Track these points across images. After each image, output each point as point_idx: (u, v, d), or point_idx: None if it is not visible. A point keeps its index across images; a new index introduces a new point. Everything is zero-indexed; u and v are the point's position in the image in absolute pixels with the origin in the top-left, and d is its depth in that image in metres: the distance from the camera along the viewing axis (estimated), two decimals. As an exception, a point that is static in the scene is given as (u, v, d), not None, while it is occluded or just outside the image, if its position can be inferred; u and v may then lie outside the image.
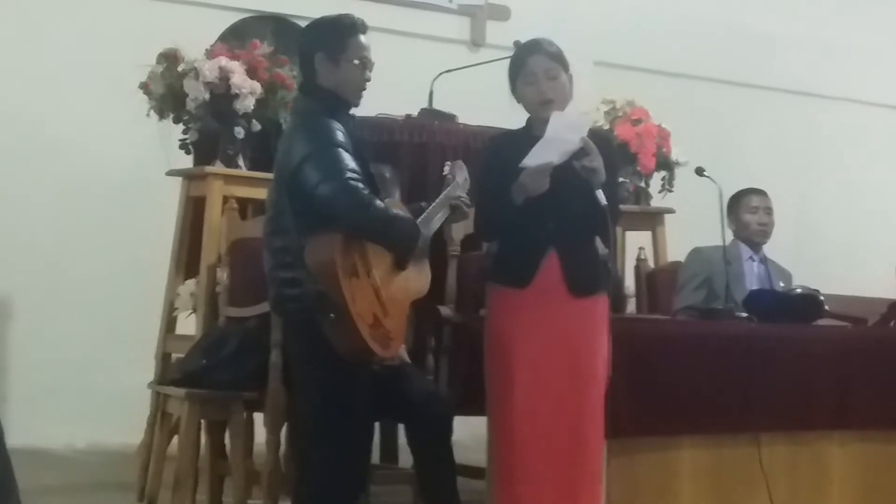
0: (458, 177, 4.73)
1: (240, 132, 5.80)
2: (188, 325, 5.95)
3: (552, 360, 4.48)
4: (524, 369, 4.47)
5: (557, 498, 4.48)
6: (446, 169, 4.79)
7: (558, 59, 4.57)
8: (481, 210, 4.63)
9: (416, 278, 4.54)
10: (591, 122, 5.54)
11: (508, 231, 4.56)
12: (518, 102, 4.63)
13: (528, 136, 4.57)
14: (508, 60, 4.67)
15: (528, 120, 4.65)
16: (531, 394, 4.46)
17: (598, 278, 4.60)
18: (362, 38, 4.44)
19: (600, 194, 4.40)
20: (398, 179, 5.26)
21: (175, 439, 5.50)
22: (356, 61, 4.41)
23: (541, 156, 4.39)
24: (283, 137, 4.49)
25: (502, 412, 4.50)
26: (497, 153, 4.66)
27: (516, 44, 4.79)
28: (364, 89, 4.46)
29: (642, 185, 6.85)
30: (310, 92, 4.46)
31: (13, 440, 4.12)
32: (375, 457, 5.27)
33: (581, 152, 4.43)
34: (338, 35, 4.42)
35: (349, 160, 4.22)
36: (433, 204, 4.64)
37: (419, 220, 4.55)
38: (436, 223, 4.62)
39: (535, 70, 4.55)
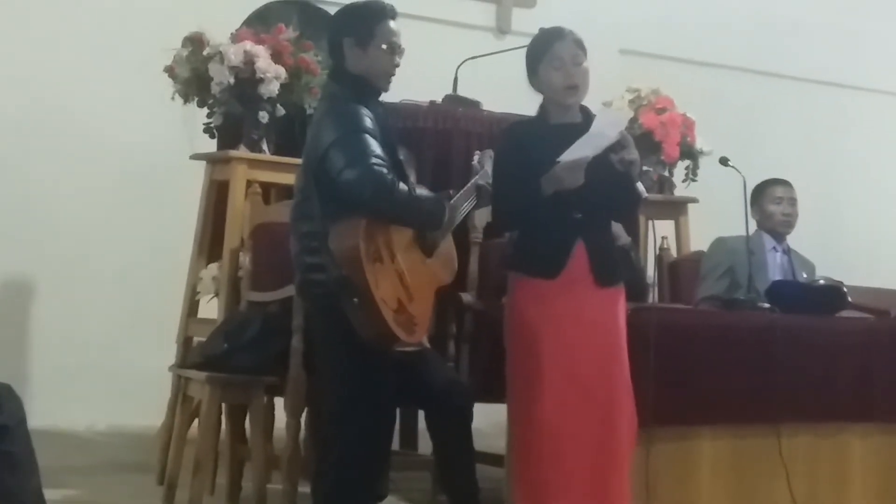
0: (487, 165, 4.72)
1: (264, 116, 5.80)
2: (210, 308, 5.97)
3: (581, 350, 4.48)
4: (553, 359, 4.46)
5: (587, 486, 4.48)
6: (476, 157, 4.79)
7: (582, 47, 4.57)
8: (502, 200, 4.60)
9: (443, 265, 4.53)
10: (628, 117, 5.56)
11: (534, 221, 4.53)
12: (536, 90, 4.61)
13: (546, 123, 4.57)
14: (526, 48, 4.65)
15: (543, 107, 4.63)
16: (561, 383, 4.45)
17: (619, 267, 4.62)
18: (391, 23, 4.43)
19: (640, 186, 4.42)
20: (413, 163, 5.23)
21: (195, 423, 5.52)
22: (384, 46, 4.39)
23: (580, 151, 4.38)
24: (311, 123, 4.48)
25: (531, 401, 4.48)
26: (514, 142, 4.62)
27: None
28: (393, 75, 4.44)
29: (666, 174, 6.82)
30: (339, 78, 4.46)
31: (35, 422, 4.15)
32: (395, 443, 5.26)
33: (617, 145, 4.43)
34: (367, 20, 4.41)
35: (375, 146, 4.21)
36: (461, 192, 4.64)
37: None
38: (463, 211, 4.62)
39: (563, 55, 4.53)
